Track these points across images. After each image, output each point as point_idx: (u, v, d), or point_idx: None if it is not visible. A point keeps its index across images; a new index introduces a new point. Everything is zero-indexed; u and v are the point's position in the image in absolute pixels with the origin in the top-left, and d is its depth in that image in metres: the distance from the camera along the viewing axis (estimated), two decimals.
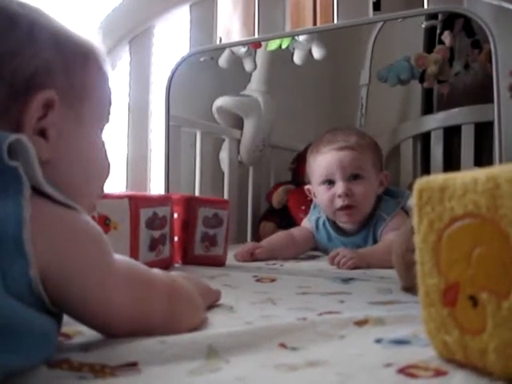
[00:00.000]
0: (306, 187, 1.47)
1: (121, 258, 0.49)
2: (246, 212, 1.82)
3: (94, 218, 0.88)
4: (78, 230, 0.45)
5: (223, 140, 1.83)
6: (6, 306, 0.39)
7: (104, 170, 0.56)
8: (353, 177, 1.37)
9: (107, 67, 0.56)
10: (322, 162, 1.40)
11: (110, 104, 0.57)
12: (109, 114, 0.57)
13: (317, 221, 1.46)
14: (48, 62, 0.48)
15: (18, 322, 0.40)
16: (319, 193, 1.42)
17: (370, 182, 1.38)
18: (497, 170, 0.38)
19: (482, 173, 0.39)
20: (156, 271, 0.54)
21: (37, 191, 0.42)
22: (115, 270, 0.47)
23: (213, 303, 0.67)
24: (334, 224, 1.43)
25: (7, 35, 0.47)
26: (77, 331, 0.51)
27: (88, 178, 0.53)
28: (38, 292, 0.42)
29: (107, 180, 0.58)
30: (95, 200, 0.56)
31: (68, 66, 0.50)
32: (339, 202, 1.37)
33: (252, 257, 1.31)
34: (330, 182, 1.39)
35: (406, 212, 1.31)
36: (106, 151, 0.56)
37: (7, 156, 0.40)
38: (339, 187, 1.37)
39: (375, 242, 1.36)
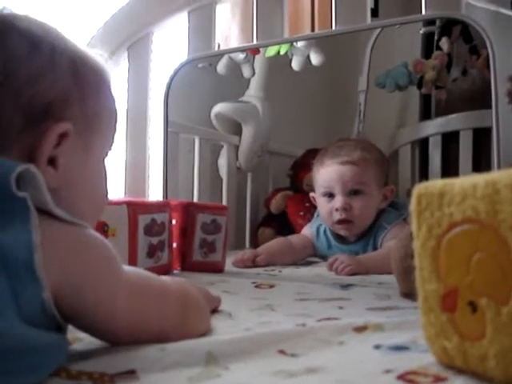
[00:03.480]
0: (311, 194, 1.49)
1: (130, 269, 0.50)
2: (244, 218, 1.82)
3: None
4: (86, 245, 0.45)
5: (221, 146, 1.83)
6: (19, 333, 0.39)
7: (104, 199, 0.57)
8: (353, 192, 1.38)
9: (115, 93, 0.56)
10: (324, 174, 1.41)
11: (115, 131, 0.57)
12: (113, 141, 0.57)
13: (318, 228, 1.47)
14: (66, 90, 0.48)
15: (30, 346, 0.40)
16: (320, 204, 1.44)
17: (370, 198, 1.38)
18: (496, 175, 0.38)
19: (480, 178, 0.39)
20: (165, 279, 0.54)
21: (45, 213, 0.43)
22: (125, 282, 0.47)
23: (213, 309, 0.67)
24: (334, 232, 1.44)
25: (28, 61, 0.46)
26: (75, 338, 0.51)
27: (90, 206, 0.53)
28: (50, 312, 0.42)
29: (105, 204, 0.58)
30: (94, 223, 0.56)
31: (83, 95, 0.50)
32: (337, 216, 1.38)
33: (253, 263, 1.31)
34: (330, 195, 1.40)
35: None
36: (106, 179, 0.56)
37: (15, 186, 0.40)
38: (338, 201, 1.38)
39: (375, 250, 1.36)
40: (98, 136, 0.53)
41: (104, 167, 0.56)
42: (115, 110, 0.56)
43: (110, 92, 0.55)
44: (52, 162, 0.47)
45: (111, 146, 0.57)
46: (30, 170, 0.42)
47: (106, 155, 0.56)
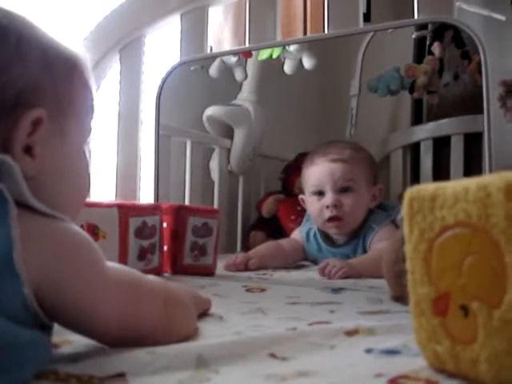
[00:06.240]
0: (300, 197, 1.49)
1: (114, 265, 0.49)
2: (235, 221, 1.82)
3: (82, 226, 0.88)
4: (67, 240, 0.45)
5: (213, 149, 1.83)
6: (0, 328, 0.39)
7: (86, 182, 0.56)
8: (343, 189, 1.39)
9: (91, 77, 0.55)
10: (315, 172, 1.42)
11: (93, 115, 0.56)
12: (91, 125, 0.56)
13: (308, 232, 1.47)
14: (36, 77, 0.47)
15: (11, 343, 0.39)
16: (310, 203, 1.44)
17: (360, 195, 1.39)
18: (487, 178, 0.38)
19: (472, 182, 0.39)
20: (151, 277, 0.54)
21: (23, 206, 0.42)
22: (108, 278, 0.47)
23: (203, 312, 0.67)
24: (324, 235, 1.44)
25: None
26: (65, 340, 0.50)
27: (71, 192, 0.52)
28: (32, 308, 0.41)
29: (87, 192, 0.57)
30: (76, 213, 0.56)
31: (55, 81, 0.49)
32: (327, 213, 1.38)
33: (245, 267, 1.31)
34: (321, 193, 1.41)
35: (396, 226, 1.31)
36: (87, 162, 0.55)
37: None
38: (328, 198, 1.39)
39: (365, 252, 1.37)
40: (75, 121, 0.51)
41: (85, 153, 0.55)
42: (91, 95, 0.55)
43: (84, 77, 0.53)
44: (28, 150, 0.46)
45: (90, 130, 0.55)
46: (5, 161, 0.41)
47: (86, 138, 0.55)
